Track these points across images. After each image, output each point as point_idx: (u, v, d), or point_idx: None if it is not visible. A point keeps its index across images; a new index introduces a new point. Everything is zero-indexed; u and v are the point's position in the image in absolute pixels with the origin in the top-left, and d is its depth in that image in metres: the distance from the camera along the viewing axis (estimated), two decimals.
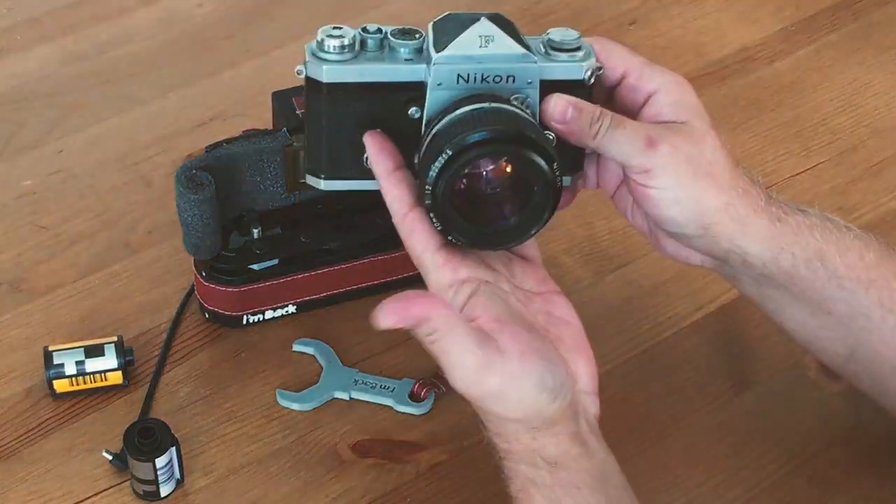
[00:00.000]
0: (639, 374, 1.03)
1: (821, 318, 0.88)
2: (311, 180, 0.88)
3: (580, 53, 0.85)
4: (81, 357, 1.00)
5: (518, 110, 0.82)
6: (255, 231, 1.04)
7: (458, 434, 0.99)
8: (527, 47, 0.83)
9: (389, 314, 0.77)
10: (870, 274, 0.87)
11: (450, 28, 0.83)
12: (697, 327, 1.06)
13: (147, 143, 1.21)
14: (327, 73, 0.84)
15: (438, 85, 0.83)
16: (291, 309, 1.06)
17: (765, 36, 1.32)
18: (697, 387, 1.02)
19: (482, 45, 0.82)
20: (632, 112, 0.86)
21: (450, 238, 0.82)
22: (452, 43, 0.82)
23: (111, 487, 0.96)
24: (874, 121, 1.24)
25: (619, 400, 1.00)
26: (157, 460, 0.93)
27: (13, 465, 0.97)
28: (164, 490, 0.95)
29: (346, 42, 0.84)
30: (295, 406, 1.01)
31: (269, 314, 1.06)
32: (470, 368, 0.78)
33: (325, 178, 0.88)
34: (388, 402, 1.01)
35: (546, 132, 0.83)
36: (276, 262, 1.04)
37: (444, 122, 0.82)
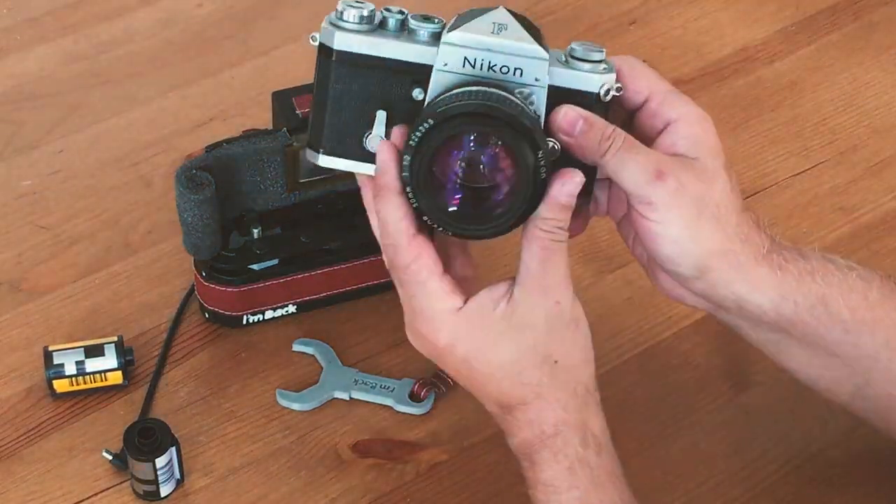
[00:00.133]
0: (639, 374, 1.03)
1: (825, 360, 0.87)
2: (309, 154, 0.86)
3: (600, 67, 0.82)
4: (81, 357, 1.00)
5: (517, 100, 0.80)
6: (255, 231, 1.04)
7: (458, 434, 0.99)
8: (542, 45, 0.81)
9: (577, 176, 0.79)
10: (874, 314, 0.85)
11: (470, 15, 0.82)
12: (697, 327, 1.06)
13: (147, 143, 1.21)
14: (339, 41, 0.83)
15: (444, 65, 0.81)
16: (291, 309, 1.06)
17: (765, 36, 1.32)
18: (697, 387, 1.02)
19: (494, 32, 0.81)
20: (648, 138, 0.84)
21: (424, 218, 0.80)
22: (464, 25, 0.81)
23: (111, 487, 0.96)
24: (874, 121, 1.24)
25: (619, 400, 1.00)
26: (157, 460, 0.93)
27: (13, 465, 0.97)
28: (164, 490, 0.95)
29: (364, 14, 0.83)
30: (295, 406, 1.01)
31: (269, 314, 1.06)
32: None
33: (324, 154, 0.86)
34: (388, 402, 1.01)
35: (549, 140, 0.81)
36: (276, 262, 1.04)
37: (438, 99, 0.81)
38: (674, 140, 0.83)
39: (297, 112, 1.02)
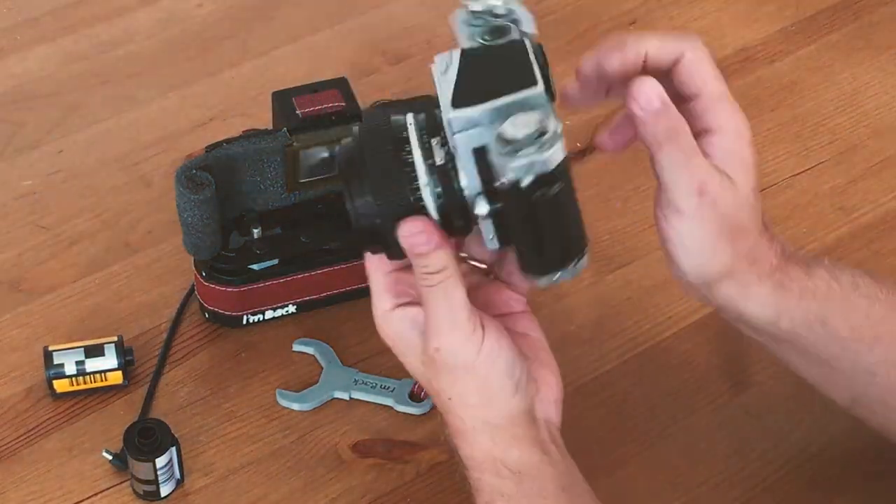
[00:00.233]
0: (639, 374, 1.03)
1: (823, 370, 0.87)
2: None
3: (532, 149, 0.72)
4: (81, 357, 1.00)
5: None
6: (255, 231, 1.03)
7: None
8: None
9: (416, 223, 0.77)
10: (876, 331, 0.85)
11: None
12: (697, 327, 1.06)
13: (147, 143, 1.21)
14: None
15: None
16: (291, 309, 1.06)
17: (765, 36, 1.32)
18: (697, 387, 1.02)
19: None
20: None
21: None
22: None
23: (111, 487, 0.96)
24: (874, 121, 1.24)
25: (619, 400, 1.00)
26: (157, 460, 0.93)
27: (13, 465, 0.97)
28: (164, 490, 0.95)
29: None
30: (295, 406, 1.01)
31: (269, 314, 1.06)
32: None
33: None
34: (388, 402, 1.01)
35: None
36: (276, 262, 1.04)
37: None
38: (708, 151, 0.81)
39: (297, 112, 1.02)
